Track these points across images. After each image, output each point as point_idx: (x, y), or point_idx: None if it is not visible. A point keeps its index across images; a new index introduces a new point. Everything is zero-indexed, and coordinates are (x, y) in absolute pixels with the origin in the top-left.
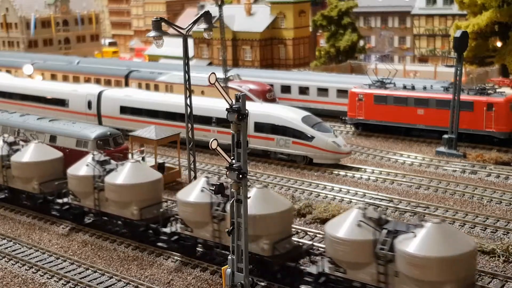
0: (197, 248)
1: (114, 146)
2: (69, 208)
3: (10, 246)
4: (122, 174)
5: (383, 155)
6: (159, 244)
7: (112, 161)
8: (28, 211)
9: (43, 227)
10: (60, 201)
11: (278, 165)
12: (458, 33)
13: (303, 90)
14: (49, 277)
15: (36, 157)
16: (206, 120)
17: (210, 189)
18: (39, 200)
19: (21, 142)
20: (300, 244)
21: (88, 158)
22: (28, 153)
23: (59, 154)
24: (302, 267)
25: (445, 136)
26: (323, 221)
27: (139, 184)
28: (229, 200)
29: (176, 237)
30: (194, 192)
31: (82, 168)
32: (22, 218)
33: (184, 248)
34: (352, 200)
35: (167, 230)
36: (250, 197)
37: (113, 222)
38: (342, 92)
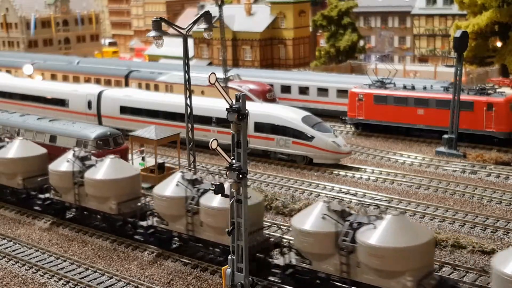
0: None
1: (114, 146)
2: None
3: (10, 246)
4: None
5: (383, 155)
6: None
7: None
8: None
9: (43, 227)
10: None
11: (278, 165)
12: (458, 33)
13: (303, 90)
14: (49, 277)
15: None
16: (206, 120)
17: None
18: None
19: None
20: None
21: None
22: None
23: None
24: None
25: (445, 136)
26: None
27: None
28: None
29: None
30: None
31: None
32: (22, 218)
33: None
34: (352, 200)
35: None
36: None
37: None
38: (342, 92)
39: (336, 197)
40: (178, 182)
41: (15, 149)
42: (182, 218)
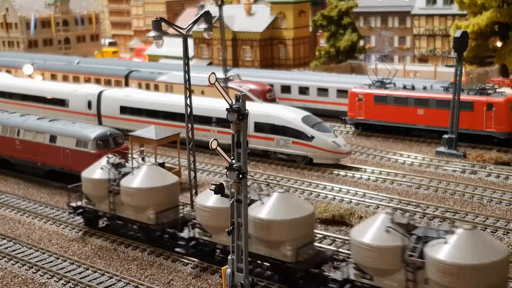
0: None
1: (114, 146)
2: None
3: (10, 246)
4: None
5: (383, 155)
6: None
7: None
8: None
9: (43, 227)
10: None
11: (278, 165)
12: (458, 33)
13: (303, 90)
14: (49, 277)
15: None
16: (206, 120)
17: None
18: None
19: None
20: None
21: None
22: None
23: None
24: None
25: (445, 136)
26: (323, 221)
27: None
28: None
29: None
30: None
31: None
32: (22, 218)
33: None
34: (352, 200)
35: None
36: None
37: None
38: (342, 92)
39: (336, 196)
40: (388, 227)
41: (145, 177)
42: (397, 273)
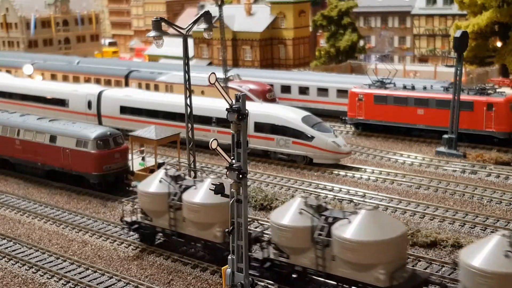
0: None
1: (114, 146)
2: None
3: (10, 246)
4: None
5: (383, 155)
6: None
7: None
8: None
9: (43, 227)
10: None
11: (278, 165)
12: (458, 33)
13: (303, 90)
14: (49, 277)
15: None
16: (206, 120)
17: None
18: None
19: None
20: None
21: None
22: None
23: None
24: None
25: (445, 136)
26: None
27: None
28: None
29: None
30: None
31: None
32: (22, 218)
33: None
34: (352, 200)
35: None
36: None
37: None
38: (342, 92)
39: (339, 197)
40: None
41: (209, 192)
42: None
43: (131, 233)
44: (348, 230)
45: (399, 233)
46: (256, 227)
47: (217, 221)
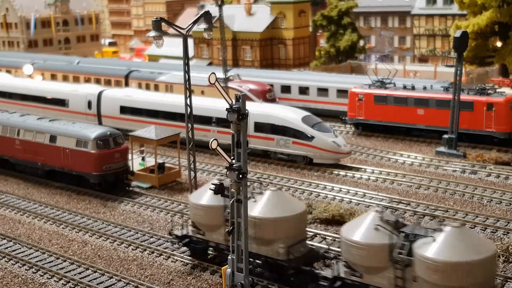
0: None
1: (114, 146)
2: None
3: (10, 246)
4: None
5: (383, 155)
6: None
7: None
8: None
9: (43, 227)
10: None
11: (278, 165)
12: (458, 33)
13: (303, 90)
14: (49, 277)
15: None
16: (206, 120)
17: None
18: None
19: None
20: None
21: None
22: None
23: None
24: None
25: (445, 136)
26: (323, 221)
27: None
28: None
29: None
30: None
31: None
32: (22, 218)
33: None
34: (352, 200)
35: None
36: None
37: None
38: (342, 92)
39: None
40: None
41: (269, 204)
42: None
43: (183, 248)
44: (432, 248)
45: (490, 253)
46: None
47: (280, 237)
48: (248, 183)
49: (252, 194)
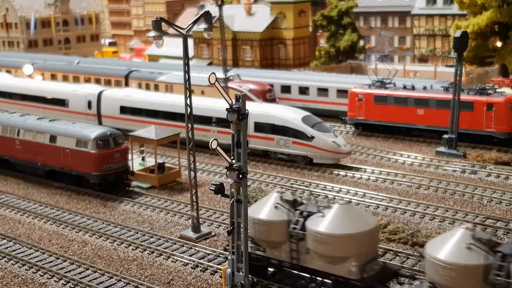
0: None
1: (114, 146)
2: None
3: (10, 246)
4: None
5: (383, 155)
6: None
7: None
8: None
9: (43, 227)
10: None
11: (278, 165)
12: (458, 33)
13: (303, 90)
14: (49, 277)
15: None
16: (206, 120)
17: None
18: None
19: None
20: None
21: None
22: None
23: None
24: None
25: (445, 136)
26: None
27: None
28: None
29: None
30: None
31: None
32: (22, 218)
33: None
34: (352, 200)
35: None
36: None
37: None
38: (342, 92)
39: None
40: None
41: (339, 220)
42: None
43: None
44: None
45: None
46: None
47: (352, 255)
48: (312, 198)
49: (318, 209)
